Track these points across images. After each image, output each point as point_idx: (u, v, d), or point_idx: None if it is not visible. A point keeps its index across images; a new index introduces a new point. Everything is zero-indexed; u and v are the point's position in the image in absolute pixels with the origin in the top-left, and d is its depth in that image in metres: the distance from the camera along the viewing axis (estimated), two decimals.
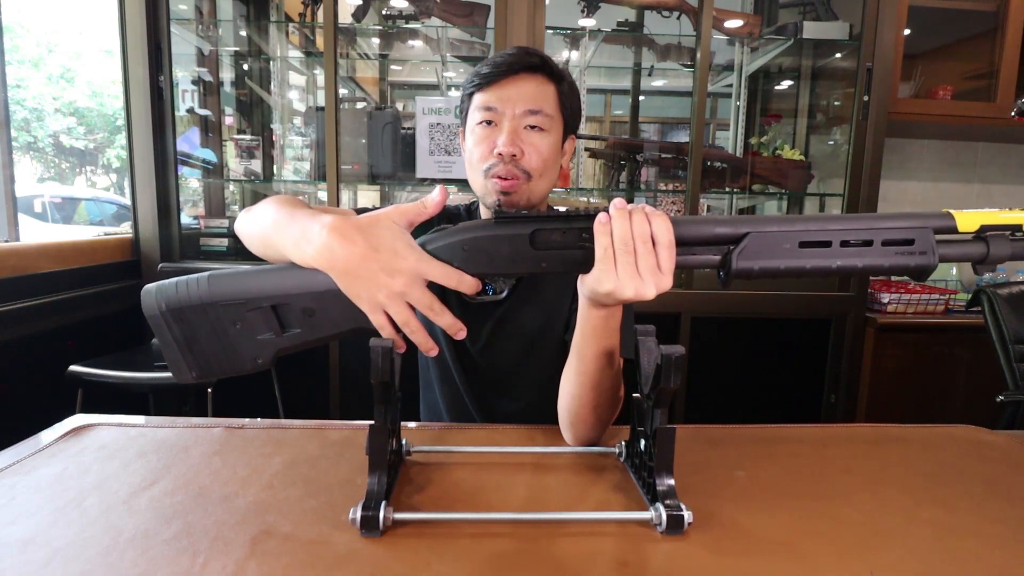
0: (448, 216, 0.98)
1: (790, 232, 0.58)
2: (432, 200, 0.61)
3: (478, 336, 0.95)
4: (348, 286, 0.58)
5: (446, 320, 0.60)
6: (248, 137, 2.15)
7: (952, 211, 0.58)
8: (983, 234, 0.58)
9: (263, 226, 0.67)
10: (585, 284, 0.63)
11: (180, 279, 0.60)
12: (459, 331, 0.61)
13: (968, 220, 0.57)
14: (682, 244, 0.59)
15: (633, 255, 0.58)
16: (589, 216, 0.60)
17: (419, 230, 0.63)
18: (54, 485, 0.64)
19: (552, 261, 0.61)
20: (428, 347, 0.61)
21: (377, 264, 0.57)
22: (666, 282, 0.58)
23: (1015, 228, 0.57)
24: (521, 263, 0.61)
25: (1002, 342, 1.58)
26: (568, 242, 0.61)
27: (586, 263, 0.61)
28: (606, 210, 0.59)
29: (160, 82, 1.87)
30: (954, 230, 0.58)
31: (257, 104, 2.46)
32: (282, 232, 0.63)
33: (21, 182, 7.61)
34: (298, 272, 0.61)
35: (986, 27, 2.18)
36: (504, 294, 0.69)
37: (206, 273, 0.60)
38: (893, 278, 2.19)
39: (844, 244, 0.58)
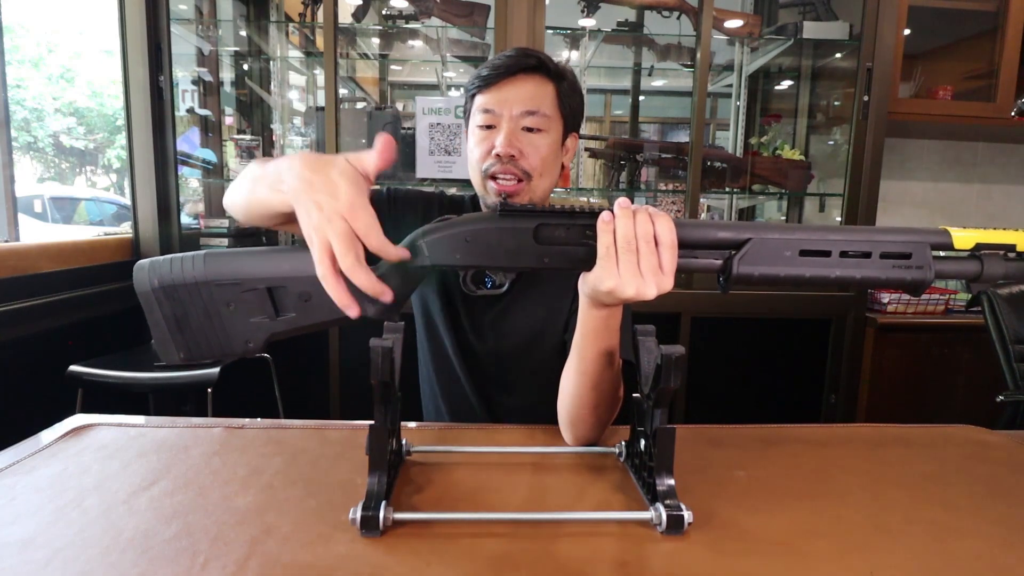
0: (452, 204, 1.00)
1: (791, 240, 0.58)
2: (375, 152, 0.58)
3: (479, 328, 0.96)
4: (297, 213, 0.57)
5: (361, 278, 0.56)
6: (248, 137, 2.15)
7: (949, 228, 0.58)
8: (978, 252, 0.58)
9: (244, 187, 0.68)
10: (586, 282, 0.63)
11: (175, 256, 0.58)
12: (382, 293, 0.57)
13: (964, 238, 0.58)
14: (684, 247, 0.59)
15: (636, 254, 0.58)
16: (593, 213, 0.60)
17: (421, 220, 0.63)
18: (54, 485, 0.64)
19: (554, 257, 0.61)
20: (377, 290, 0.57)
21: (317, 195, 0.56)
22: (667, 283, 0.58)
23: (1010, 248, 0.58)
24: (523, 257, 0.61)
25: (1002, 342, 1.58)
26: (571, 239, 0.61)
27: (588, 260, 0.60)
28: (610, 209, 0.60)
29: (160, 82, 1.87)
30: (950, 247, 0.58)
31: (257, 104, 2.46)
32: (260, 183, 0.63)
33: (21, 182, 7.60)
34: (297, 254, 0.59)
35: (986, 27, 2.18)
36: (504, 288, 0.69)
37: (202, 251, 0.59)
38: None
39: (843, 255, 0.58)
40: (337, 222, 0.54)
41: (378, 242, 0.56)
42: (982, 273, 0.58)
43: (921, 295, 0.61)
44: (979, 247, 0.58)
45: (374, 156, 0.58)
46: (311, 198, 0.55)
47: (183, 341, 0.59)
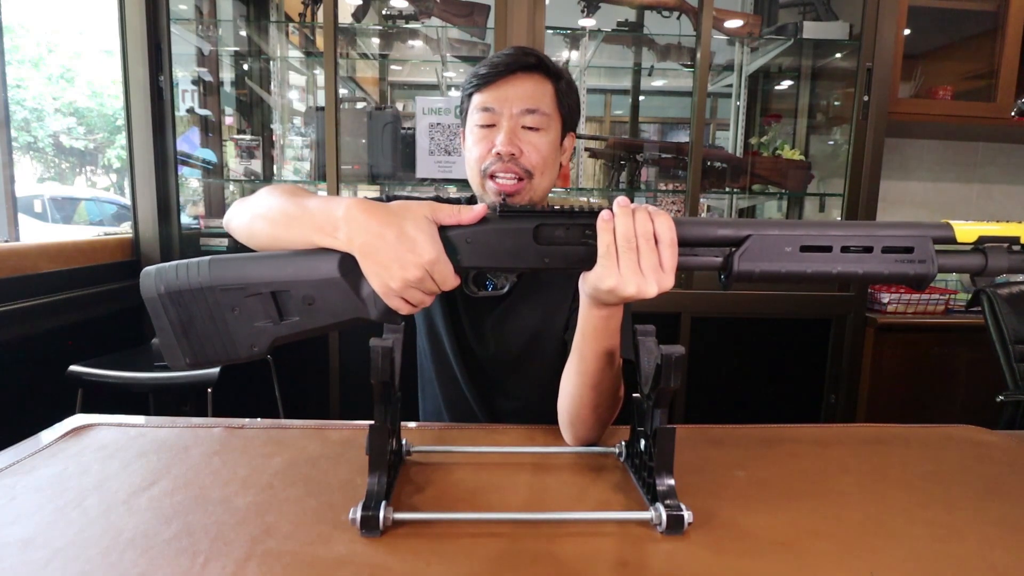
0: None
1: (792, 236, 0.58)
2: (470, 212, 0.61)
3: (479, 331, 0.95)
4: (364, 266, 0.59)
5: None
6: (248, 137, 2.15)
7: (952, 222, 0.58)
8: (981, 246, 0.58)
9: (270, 220, 0.66)
10: (587, 281, 0.63)
11: (180, 262, 0.59)
12: None
13: (967, 231, 0.58)
14: (684, 244, 0.60)
15: (636, 252, 0.58)
16: (593, 213, 0.60)
17: None
18: (54, 485, 0.64)
19: (555, 257, 0.62)
20: None
21: (394, 251, 0.57)
22: (668, 281, 0.59)
23: (1013, 240, 0.58)
24: (524, 258, 0.61)
25: (1002, 342, 1.58)
26: (571, 238, 0.61)
27: (588, 260, 0.61)
28: (610, 208, 0.60)
29: (160, 82, 1.87)
30: (952, 240, 0.58)
31: (257, 104, 2.46)
32: (298, 223, 0.63)
33: (21, 182, 7.61)
34: (300, 259, 0.60)
35: (986, 27, 2.18)
36: (505, 289, 0.69)
37: (207, 257, 0.59)
38: None
39: (845, 250, 0.58)
40: (426, 282, 0.58)
41: (452, 287, 0.60)
42: (987, 266, 0.58)
43: (925, 289, 0.60)
44: (982, 240, 0.58)
45: (457, 216, 0.61)
46: (387, 254, 0.57)
47: (189, 346, 0.59)
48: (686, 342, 1.99)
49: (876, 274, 0.58)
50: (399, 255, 0.57)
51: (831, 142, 2.31)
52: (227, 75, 2.44)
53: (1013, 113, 2.16)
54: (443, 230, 0.61)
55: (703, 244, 0.60)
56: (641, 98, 2.85)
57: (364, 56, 2.63)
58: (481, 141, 0.87)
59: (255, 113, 2.46)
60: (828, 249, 0.58)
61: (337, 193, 1.95)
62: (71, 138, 10.74)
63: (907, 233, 0.58)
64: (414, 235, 0.58)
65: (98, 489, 0.63)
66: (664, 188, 2.25)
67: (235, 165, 2.12)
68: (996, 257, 0.58)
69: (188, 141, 2.23)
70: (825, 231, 0.58)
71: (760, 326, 2.04)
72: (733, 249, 0.59)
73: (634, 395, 0.67)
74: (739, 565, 0.53)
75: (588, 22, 2.19)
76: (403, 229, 0.58)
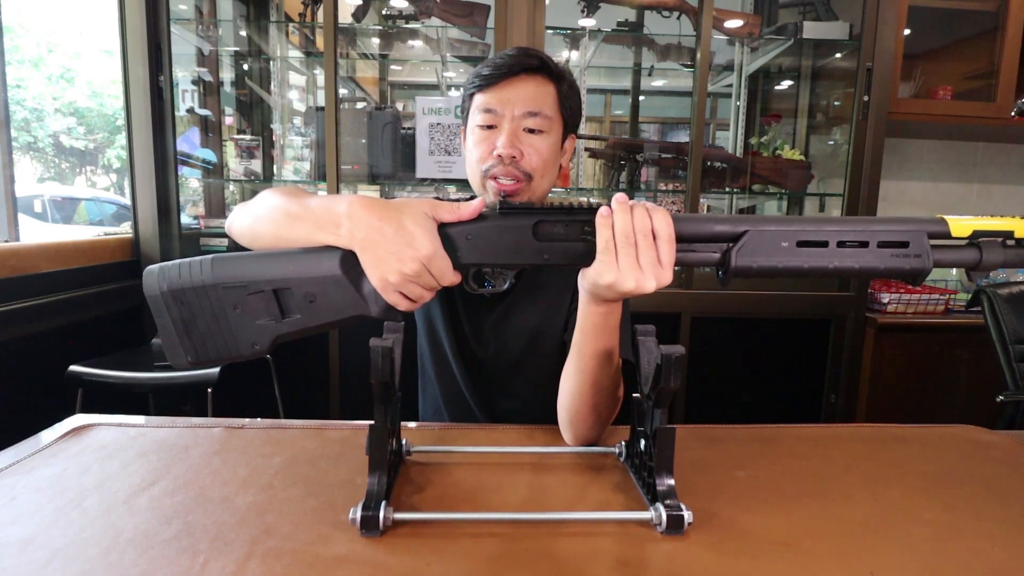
0: None
1: (788, 231, 0.59)
2: (468, 207, 0.62)
3: (479, 332, 0.96)
4: (363, 260, 0.59)
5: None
6: (248, 137, 2.15)
7: (946, 216, 0.59)
8: (976, 240, 0.58)
9: (272, 221, 0.67)
10: (586, 277, 0.63)
11: (183, 261, 0.60)
12: None
13: (961, 226, 0.58)
14: (682, 240, 0.60)
15: (634, 248, 0.58)
16: (591, 210, 0.61)
17: None
18: (54, 485, 0.64)
19: (554, 253, 0.62)
20: None
21: (392, 245, 0.58)
22: (666, 276, 0.59)
23: (1008, 235, 0.58)
24: (523, 254, 0.62)
25: (1002, 342, 1.58)
26: (570, 235, 0.62)
27: (588, 256, 0.61)
28: (608, 205, 0.60)
29: (160, 82, 1.87)
30: (947, 235, 0.58)
31: (257, 104, 2.46)
32: (300, 222, 0.63)
33: (21, 182, 7.61)
34: (302, 257, 0.61)
35: (986, 27, 2.18)
36: (505, 286, 0.70)
37: (209, 256, 0.60)
38: None
39: (841, 245, 0.59)
40: (424, 276, 0.59)
41: (450, 283, 0.61)
42: (981, 261, 0.58)
43: (921, 284, 0.61)
44: (977, 235, 0.58)
45: (457, 212, 0.61)
46: (385, 248, 0.58)
47: (191, 344, 0.60)
48: (686, 342, 1.99)
49: (872, 269, 0.59)
50: (397, 249, 0.58)
51: (831, 142, 2.31)
52: (227, 75, 2.44)
53: (1013, 113, 2.16)
54: (444, 227, 0.61)
55: (701, 240, 0.61)
56: (641, 98, 2.85)
57: (364, 56, 2.63)
58: (482, 142, 0.87)
59: (255, 113, 2.46)
60: (824, 244, 0.59)
61: (337, 193, 1.95)
62: (71, 138, 10.73)
63: (902, 228, 0.58)
64: (412, 229, 0.58)
65: (98, 489, 0.63)
66: (664, 188, 2.25)
67: (235, 165, 2.12)
68: (990, 251, 0.58)
69: (188, 141, 2.23)
70: (821, 227, 0.59)
71: (760, 326, 2.04)
72: (730, 245, 0.60)
73: (634, 395, 0.67)
74: (739, 565, 0.53)
75: (588, 22, 2.19)
76: (402, 224, 0.58)
